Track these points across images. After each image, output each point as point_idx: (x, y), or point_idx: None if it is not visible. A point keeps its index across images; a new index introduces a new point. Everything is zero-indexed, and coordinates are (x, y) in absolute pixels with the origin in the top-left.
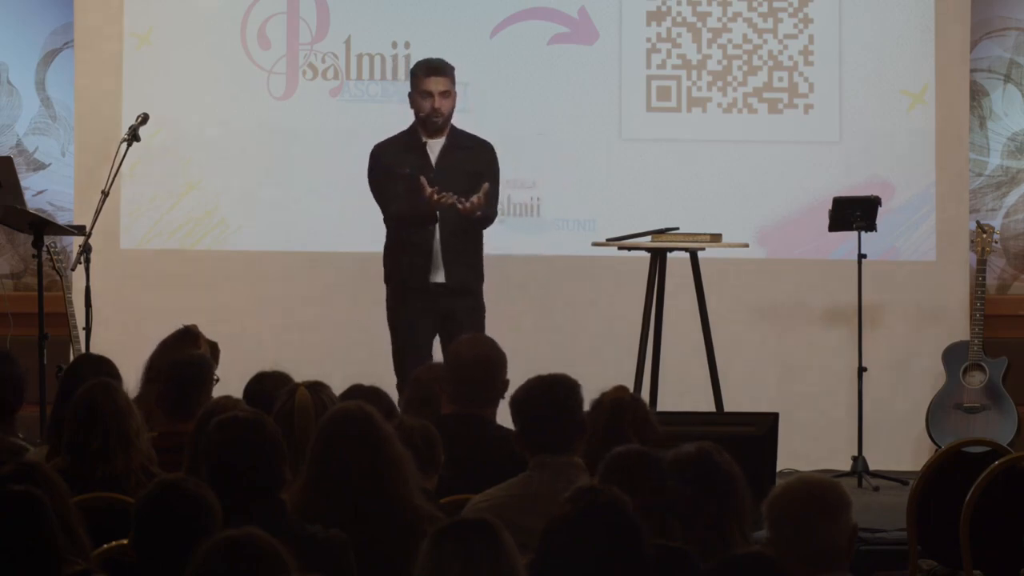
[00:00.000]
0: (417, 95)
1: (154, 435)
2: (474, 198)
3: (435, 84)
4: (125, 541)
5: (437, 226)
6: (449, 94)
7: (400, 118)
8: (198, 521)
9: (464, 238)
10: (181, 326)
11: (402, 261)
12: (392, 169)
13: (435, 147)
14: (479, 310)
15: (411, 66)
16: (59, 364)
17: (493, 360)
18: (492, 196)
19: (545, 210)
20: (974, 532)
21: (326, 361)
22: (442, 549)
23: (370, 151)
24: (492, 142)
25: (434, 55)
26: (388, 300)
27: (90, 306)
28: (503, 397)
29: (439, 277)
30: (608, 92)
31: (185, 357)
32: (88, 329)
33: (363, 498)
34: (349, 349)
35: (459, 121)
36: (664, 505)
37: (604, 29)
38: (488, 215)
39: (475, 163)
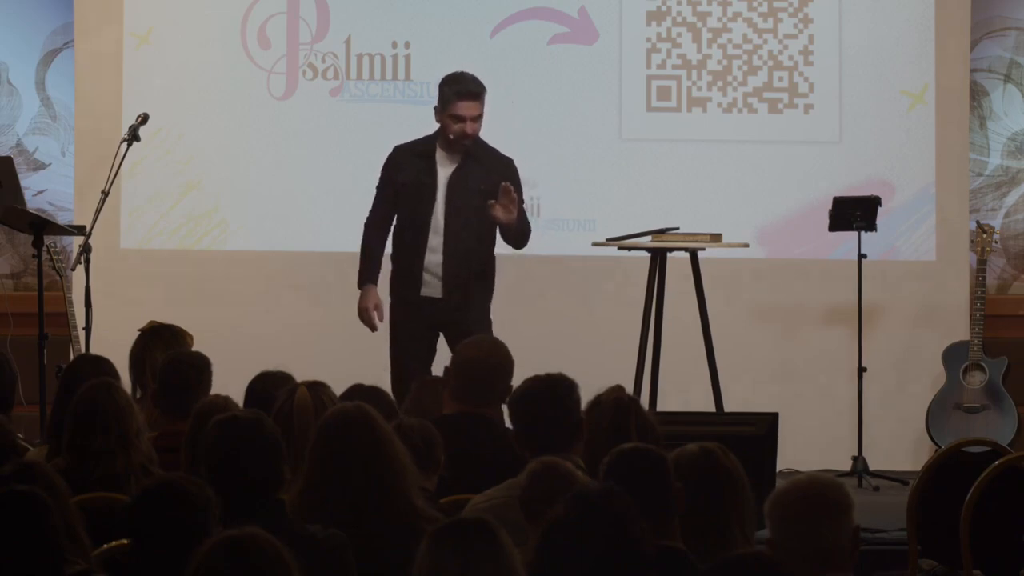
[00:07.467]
0: (446, 116)
1: (154, 435)
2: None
3: (468, 109)
4: (125, 541)
5: (442, 238)
6: (480, 117)
7: (400, 118)
8: (192, 517)
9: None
10: (147, 325)
11: (398, 267)
12: (393, 174)
13: (451, 161)
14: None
15: (441, 81)
16: (59, 364)
17: (502, 362)
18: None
19: (545, 210)
20: (974, 532)
21: (326, 361)
22: (441, 549)
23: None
24: (492, 142)
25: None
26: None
27: (90, 306)
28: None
29: (435, 291)
30: (608, 92)
31: (184, 355)
32: (88, 329)
33: (363, 498)
34: (349, 349)
35: None
36: (665, 505)
37: (604, 29)
38: (524, 230)
39: (490, 182)
